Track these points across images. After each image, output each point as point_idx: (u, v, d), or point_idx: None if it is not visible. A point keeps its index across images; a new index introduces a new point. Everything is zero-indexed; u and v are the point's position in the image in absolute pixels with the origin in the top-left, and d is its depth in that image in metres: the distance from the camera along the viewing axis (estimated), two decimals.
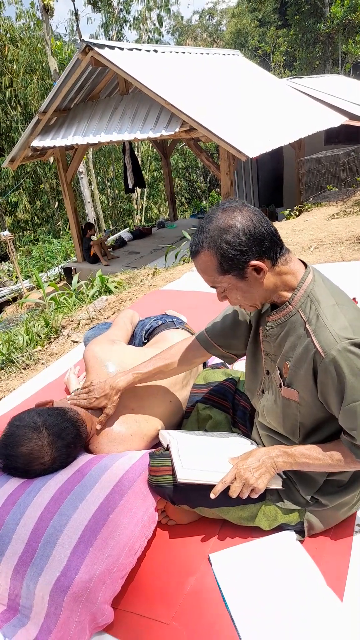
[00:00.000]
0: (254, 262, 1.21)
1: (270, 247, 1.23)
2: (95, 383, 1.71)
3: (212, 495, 1.37)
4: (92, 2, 15.34)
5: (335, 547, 1.46)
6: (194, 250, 1.26)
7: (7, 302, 10.76)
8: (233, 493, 1.36)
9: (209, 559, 1.45)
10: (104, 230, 14.83)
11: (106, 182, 20.00)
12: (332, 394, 1.24)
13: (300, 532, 1.48)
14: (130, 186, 10.91)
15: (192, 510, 1.50)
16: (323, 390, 1.26)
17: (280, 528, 1.48)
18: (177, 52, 9.80)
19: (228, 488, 1.38)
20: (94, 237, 10.24)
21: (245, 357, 1.62)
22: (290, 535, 1.47)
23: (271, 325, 1.37)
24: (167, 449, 1.53)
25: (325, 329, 1.21)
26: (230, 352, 1.64)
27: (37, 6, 13.40)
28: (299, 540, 1.47)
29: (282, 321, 1.33)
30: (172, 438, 1.55)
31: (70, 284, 6.20)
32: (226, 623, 1.27)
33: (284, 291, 1.30)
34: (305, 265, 1.33)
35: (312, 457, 1.34)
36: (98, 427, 1.67)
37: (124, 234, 12.54)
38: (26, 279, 11.84)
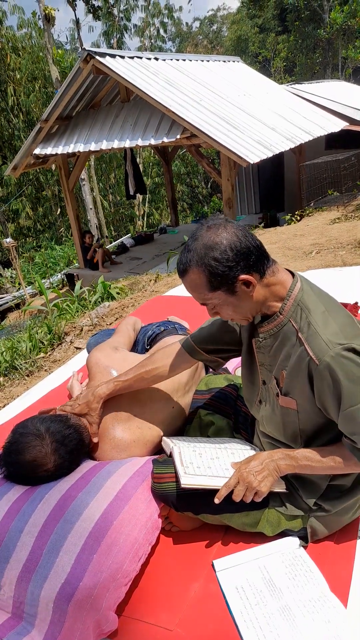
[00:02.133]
0: (242, 277, 1.22)
1: (257, 260, 1.24)
2: (84, 391, 1.73)
3: (217, 500, 1.37)
4: (91, 11, 15.42)
5: (339, 552, 1.46)
6: (182, 269, 1.27)
7: (10, 309, 10.80)
8: (236, 497, 1.36)
9: (212, 565, 1.45)
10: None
11: (108, 188, 20.08)
12: (329, 400, 1.25)
13: (303, 537, 1.48)
14: (132, 193, 10.96)
15: (196, 516, 1.50)
16: (320, 397, 1.27)
17: (284, 534, 1.48)
18: (178, 60, 9.86)
19: (232, 492, 1.38)
20: (97, 242, 10.28)
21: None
22: (293, 541, 1.47)
23: (264, 337, 1.38)
24: (170, 455, 1.53)
25: (317, 336, 1.22)
26: (216, 357, 1.65)
27: (39, 15, 13.53)
28: (303, 546, 1.47)
29: (274, 331, 1.34)
30: (175, 445, 1.55)
31: (73, 290, 6.22)
32: (230, 629, 1.27)
33: (273, 302, 1.31)
34: (293, 274, 1.35)
35: (315, 459, 1.34)
36: (95, 440, 1.67)
37: (126, 239, 12.58)
38: (29, 286, 11.87)
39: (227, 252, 1.20)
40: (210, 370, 2.19)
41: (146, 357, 1.93)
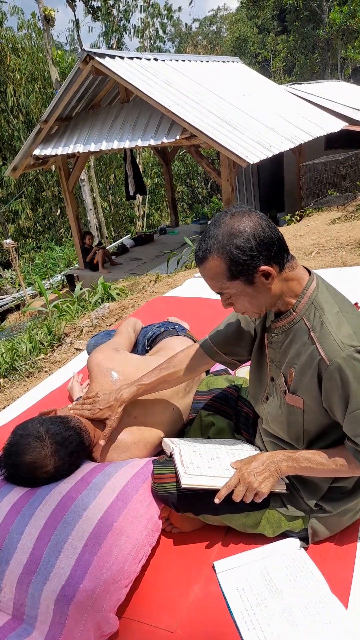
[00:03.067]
0: (263, 267, 1.21)
1: (279, 253, 1.23)
2: (100, 394, 1.70)
3: (217, 500, 1.37)
4: (91, 11, 15.42)
5: (340, 553, 1.46)
6: (201, 256, 1.24)
7: (10, 310, 10.79)
8: (236, 497, 1.36)
9: (213, 567, 1.45)
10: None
11: (108, 189, 20.09)
12: (336, 401, 1.24)
13: (304, 539, 1.48)
14: (131, 193, 10.96)
15: (196, 517, 1.50)
16: (328, 397, 1.26)
17: (285, 535, 1.48)
18: (178, 60, 9.86)
19: (232, 493, 1.38)
20: (95, 244, 10.28)
21: (248, 364, 1.62)
22: (294, 542, 1.47)
23: (276, 332, 1.37)
24: (171, 456, 1.53)
25: (330, 336, 1.21)
26: (233, 359, 1.64)
27: (38, 16, 13.51)
28: (303, 547, 1.47)
29: (286, 328, 1.33)
30: (175, 445, 1.55)
31: (73, 291, 6.22)
32: (231, 631, 1.27)
33: (289, 298, 1.30)
34: (310, 272, 1.34)
35: (316, 462, 1.34)
36: (102, 442, 1.65)
37: (126, 240, 12.58)
38: (29, 287, 11.85)
39: (250, 240, 1.18)
40: (211, 371, 2.19)
41: (147, 357, 1.93)
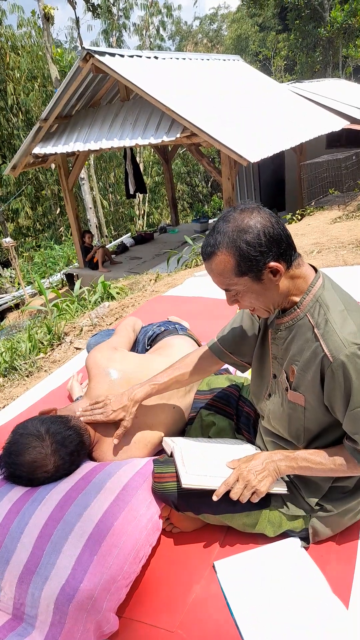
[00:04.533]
0: (272, 264, 1.20)
1: (287, 250, 1.23)
2: (110, 396, 1.68)
3: (215, 497, 1.37)
4: (91, 9, 15.37)
5: (341, 553, 1.45)
6: (209, 251, 1.23)
7: (10, 309, 10.78)
8: (234, 495, 1.36)
9: (213, 567, 1.45)
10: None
11: (108, 187, 20.08)
12: (338, 399, 1.24)
13: (305, 538, 1.48)
14: (132, 192, 10.95)
15: (197, 517, 1.49)
16: (329, 395, 1.26)
17: (285, 535, 1.48)
18: (178, 58, 9.85)
19: (229, 491, 1.38)
20: (95, 243, 10.27)
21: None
22: (295, 542, 1.47)
23: (280, 329, 1.37)
24: (171, 455, 1.53)
25: (334, 333, 1.21)
26: (242, 360, 1.63)
27: (38, 14, 13.49)
28: (304, 547, 1.47)
29: (289, 324, 1.33)
30: (176, 445, 1.55)
31: (73, 290, 6.20)
32: (231, 631, 1.27)
33: (294, 295, 1.30)
34: (316, 270, 1.34)
35: (315, 461, 1.34)
36: (115, 441, 1.64)
37: (126, 239, 12.57)
38: (28, 286, 11.85)
39: (260, 236, 1.18)
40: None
41: (147, 355, 1.92)
